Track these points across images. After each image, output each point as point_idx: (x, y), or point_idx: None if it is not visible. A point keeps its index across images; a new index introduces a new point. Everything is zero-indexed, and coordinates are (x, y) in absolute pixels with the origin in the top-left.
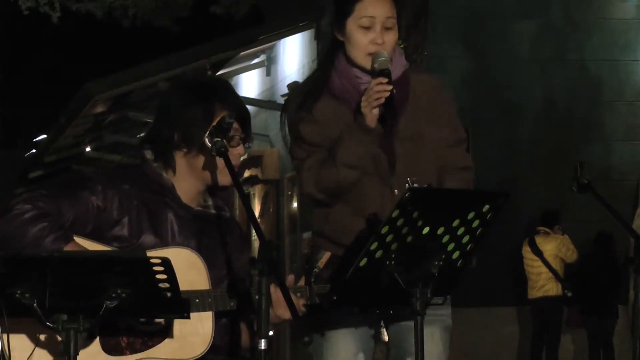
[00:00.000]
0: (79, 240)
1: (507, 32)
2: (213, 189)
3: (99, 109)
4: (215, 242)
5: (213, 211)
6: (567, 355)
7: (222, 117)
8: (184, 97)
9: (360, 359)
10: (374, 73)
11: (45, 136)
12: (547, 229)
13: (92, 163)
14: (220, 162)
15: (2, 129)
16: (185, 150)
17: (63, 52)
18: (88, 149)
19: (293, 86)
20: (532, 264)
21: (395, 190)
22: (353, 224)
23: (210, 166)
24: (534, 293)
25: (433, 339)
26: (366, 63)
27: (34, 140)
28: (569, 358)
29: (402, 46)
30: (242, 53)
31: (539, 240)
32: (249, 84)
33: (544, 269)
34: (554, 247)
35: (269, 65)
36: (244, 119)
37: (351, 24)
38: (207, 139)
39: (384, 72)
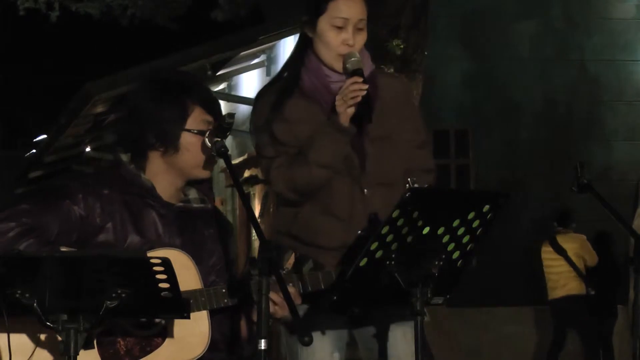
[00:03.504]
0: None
1: (507, 32)
2: (192, 183)
3: (99, 109)
4: (199, 235)
5: (194, 205)
6: (567, 355)
7: (222, 117)
8: (155, 97)
9: (335, 358)
10: (347, 73)
11: (45, 136)
12: (565, 229)
13: (92, 163)
14: (197, 156)
15: (2, 129)
16: (161, 150)
17: (62, 52)
18: (88, 149)
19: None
20: (552, 264)
21: (365, 190)
22: (322, 223)
23: (187, 162)
24: (556, 293)
25: (405, 338)
26: (336, 63)
27: (34, 140)
28: (569, 358)
29: (401, 46)
30: (242, 53)
31: (560, 239)
32: (249, 84)
33: (565, 268)
34: (577, 246)
35: (269, 65)
36: (217, 111)
37: (323, 23)
38: (207, 139)
39: (358, 72)
